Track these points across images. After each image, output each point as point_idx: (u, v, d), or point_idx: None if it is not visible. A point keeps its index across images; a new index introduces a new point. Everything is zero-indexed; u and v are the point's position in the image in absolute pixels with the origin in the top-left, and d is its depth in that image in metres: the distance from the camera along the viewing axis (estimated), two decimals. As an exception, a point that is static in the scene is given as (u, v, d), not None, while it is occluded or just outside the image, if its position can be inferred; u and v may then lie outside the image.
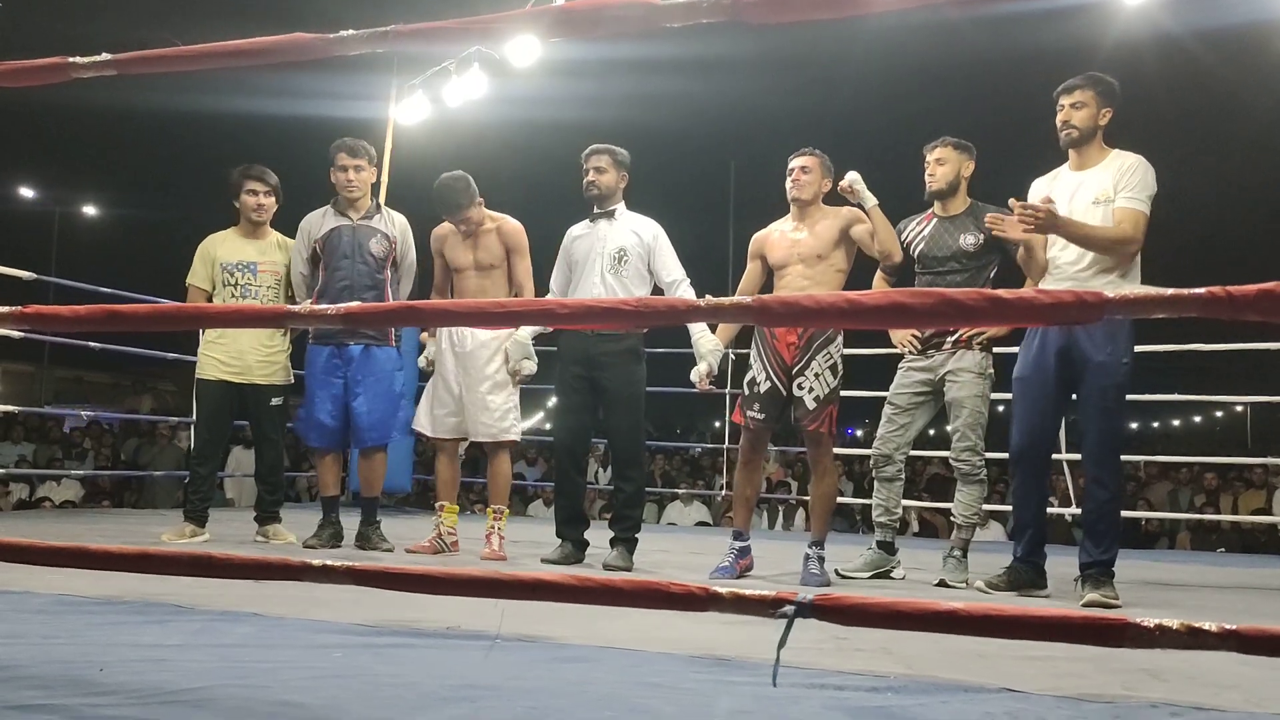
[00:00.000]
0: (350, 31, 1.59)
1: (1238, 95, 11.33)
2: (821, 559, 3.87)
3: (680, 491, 9.64)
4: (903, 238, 4.16)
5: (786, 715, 1.67)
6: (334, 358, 4.45)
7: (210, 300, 4.63)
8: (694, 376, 4.14)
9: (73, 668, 1.82)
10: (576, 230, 4.40)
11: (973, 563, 4.01)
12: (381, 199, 5.21)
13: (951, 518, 4.16)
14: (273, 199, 4.69)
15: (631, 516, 4.25)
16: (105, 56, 1.76)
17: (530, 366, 4.39)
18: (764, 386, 3.92)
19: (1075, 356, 3.50)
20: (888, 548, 4.16)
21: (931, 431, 4.62)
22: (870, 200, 3.82)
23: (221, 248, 4.66)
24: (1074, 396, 3.59)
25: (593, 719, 1.61)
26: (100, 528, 5.16)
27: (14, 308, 1.72)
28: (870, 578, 4.07)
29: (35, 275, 5.94)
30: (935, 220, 4.14)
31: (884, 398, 4.26)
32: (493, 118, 8.95)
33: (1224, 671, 2.06)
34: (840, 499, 8.57)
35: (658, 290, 4.31)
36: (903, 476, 4.23)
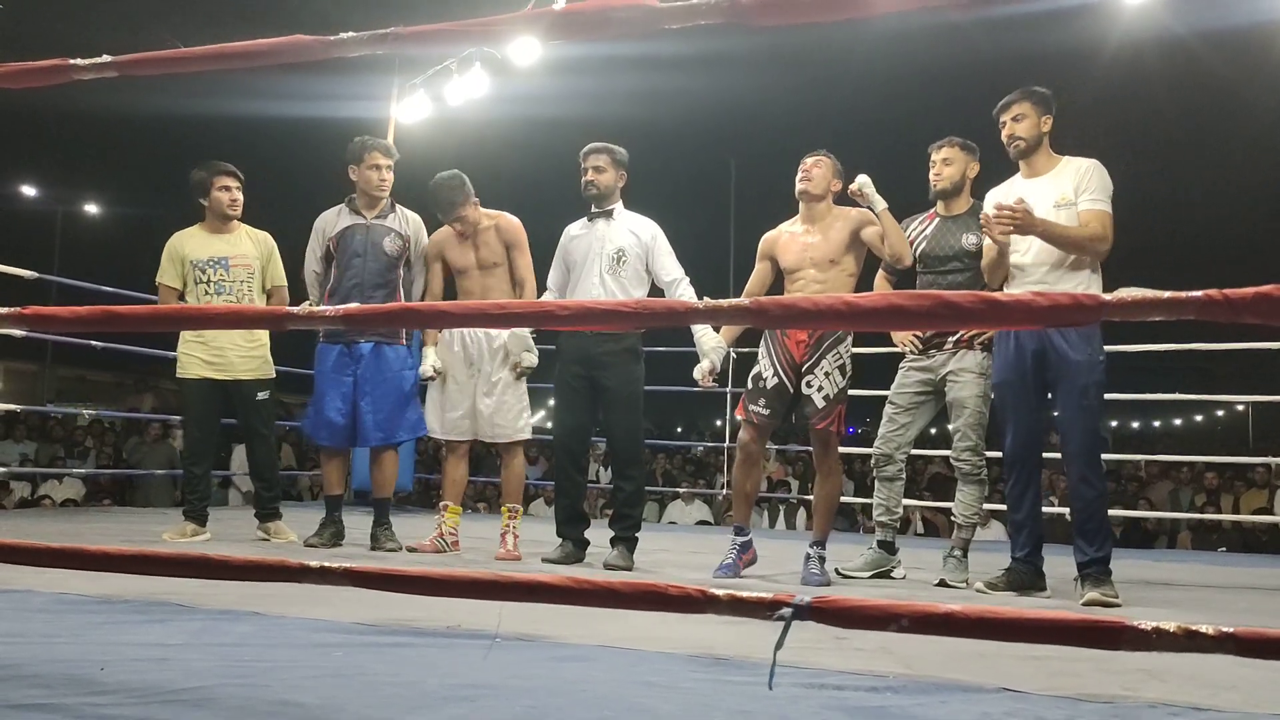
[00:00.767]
0: (351, 33, 1.60)
1: (1239, 95, 11.32)
2: (822, 559, 3.88)
3: (681, 490, 9.65)
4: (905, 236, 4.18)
5: (785, 715, 1.67)
6: (344, 356, 4.45)
7: (182, 299, 4.63)
8: (696, 374, 4.15)
9: (74, 667, 1.83)
10: (574, 229, 4.40)
11: (974, 562, 4.01)
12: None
13: (952, 517, 4.16)
14: (242, 193, 4.69)
15: (632, 516, 4.26)
16: (106, 58, 1.76)
17: (531, 359, 4.40)
18: (771, 382, 3.92)
19: (1051, 358, 3.54)
20: (888, 547, 4.16)
21: (933, 431, 4.63)
22: (880, 203, 3.82)
23: (189, 245, 4.65)
24: (1049, 396, 3.63)
25: (591, 718, 1.62)
26: (101, 526, 5.17)
27: (14, 309, 1.73)
28: (870, 577, 4.07)
29: (38, 274, 5.96)
30: (938, 220, 4.14)
31: (885, 397, 4.26)
32: (494, 116, 8.95)
33: (1222, 672, 2.06)
34: (841, 498, 8.60)
35: (656, 290, 4.31)
36: (903, 476, 4.23)
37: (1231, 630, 1.14)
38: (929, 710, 1.74)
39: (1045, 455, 3.80)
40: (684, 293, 4.23)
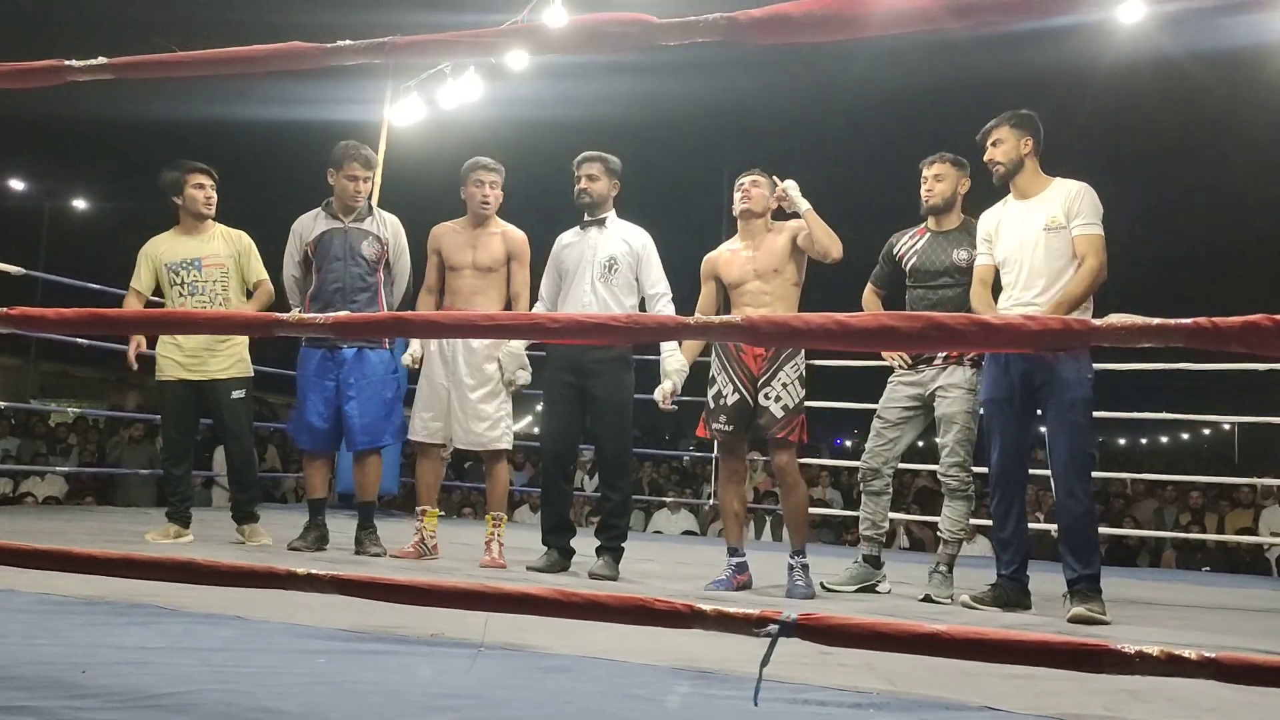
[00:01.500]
0: (348, 41, 1.60)
1: (1234, 114, 11.41)
2: (805, 567, 3.88)
3: (668, 500, 9.64)
4: (895, 251, 4.21)
5: (768, 731, 1.67)
6: (326, 360, 4.45)
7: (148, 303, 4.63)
8: (657, 395, 4.20)
9: (55, 669, 1.82)
10: (566, 238, 4.41)
11: (959, 578, 4.02)
12: (374, 201, 5.20)
13: (938, 532, 4.17)
14: (216, 191, 4.69)
15: (618, 525, 4.24)
16: (102, 60, 1.76)
17: (525, 377, 4.41)
18: (732, 399, 3.94)
19: (1040, 375, 3.56)
20: (874, 561, 4.16)
21: (921, 445, 4.64)
22: (804, 205, 3.90)
23: (161, 248, 4.66)
24: (1038, 413, 3.65)
25: (575, 731, 1.61)
26: (84, 525, 5.14)
27: (0, 309, 1.72)
28: (856, 591, 4.08)
29: (24, 271, 5.93)
30: (928, 235, 4.16)
31: (874, 410, 4.27)
32: (487, 120, 8.96)
33: (1204, 694, 2.06)
34: (827, 510, 8.61)
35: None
36: (890, 490, 4.24)
37: (1213, 655, 1.15)
38: (912, 728, 1.74)
39: (1031, 472, 3.82)
40: (664, 308, 4.24)
